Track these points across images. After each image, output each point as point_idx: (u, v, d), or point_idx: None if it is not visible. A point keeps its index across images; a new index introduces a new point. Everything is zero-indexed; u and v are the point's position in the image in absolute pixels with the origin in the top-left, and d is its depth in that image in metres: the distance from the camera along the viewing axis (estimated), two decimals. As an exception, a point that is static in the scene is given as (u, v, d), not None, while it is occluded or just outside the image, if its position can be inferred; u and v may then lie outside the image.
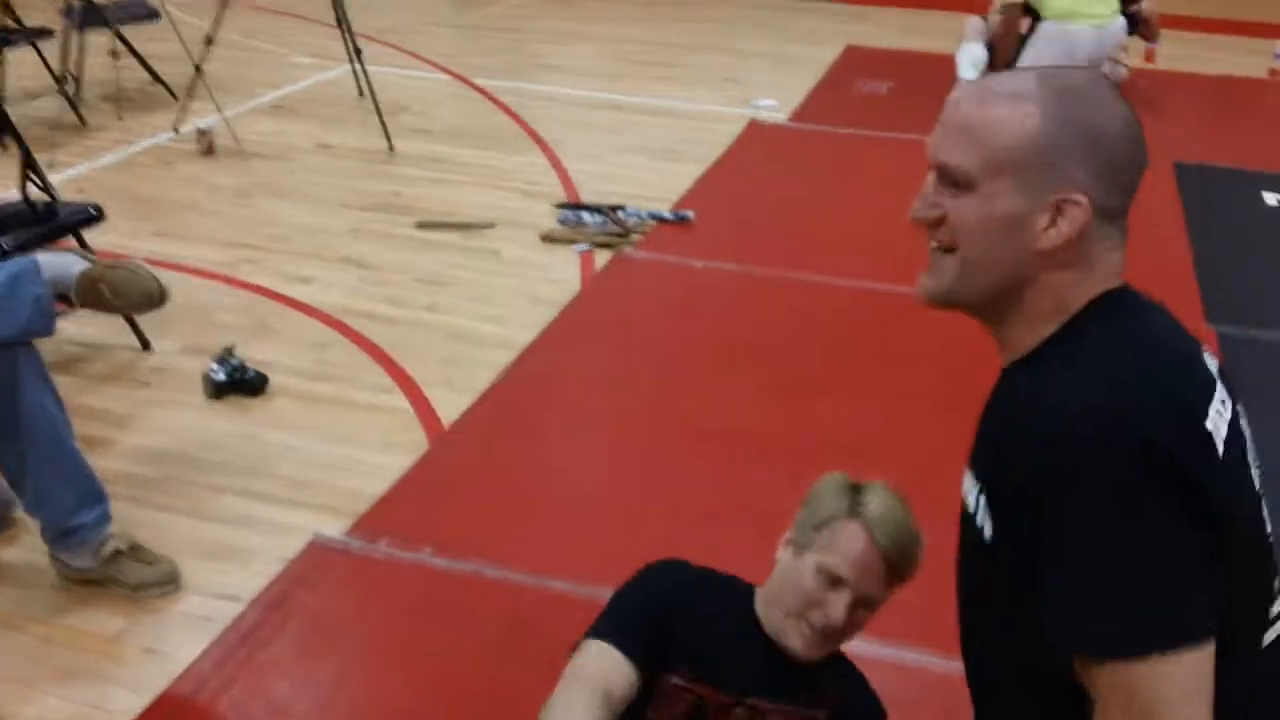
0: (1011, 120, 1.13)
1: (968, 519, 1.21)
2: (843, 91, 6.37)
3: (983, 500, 1.16)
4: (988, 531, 1.16)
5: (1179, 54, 6.78)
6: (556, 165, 5.17)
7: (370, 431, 3.16)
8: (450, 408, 3.25)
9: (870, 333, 3.78)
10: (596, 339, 3.72)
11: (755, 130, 5.65)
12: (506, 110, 5.92)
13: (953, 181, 1.16)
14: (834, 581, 1.50)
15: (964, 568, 1.28)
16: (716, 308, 3.92)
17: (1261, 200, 4.96)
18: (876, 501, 1.53)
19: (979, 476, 1.17)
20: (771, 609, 1.57)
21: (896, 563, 1.51)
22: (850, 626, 1.51)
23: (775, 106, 5.99)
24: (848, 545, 1.50)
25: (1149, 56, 6.40)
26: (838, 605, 1.48)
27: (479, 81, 6.36)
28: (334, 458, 3.03)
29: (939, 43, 6.76)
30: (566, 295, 3.94)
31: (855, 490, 1.57)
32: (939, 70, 6.20)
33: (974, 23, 6.12)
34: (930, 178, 1.19)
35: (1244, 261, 4.38)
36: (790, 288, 4.04)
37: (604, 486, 2.96)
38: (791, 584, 1.54)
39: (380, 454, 3.04)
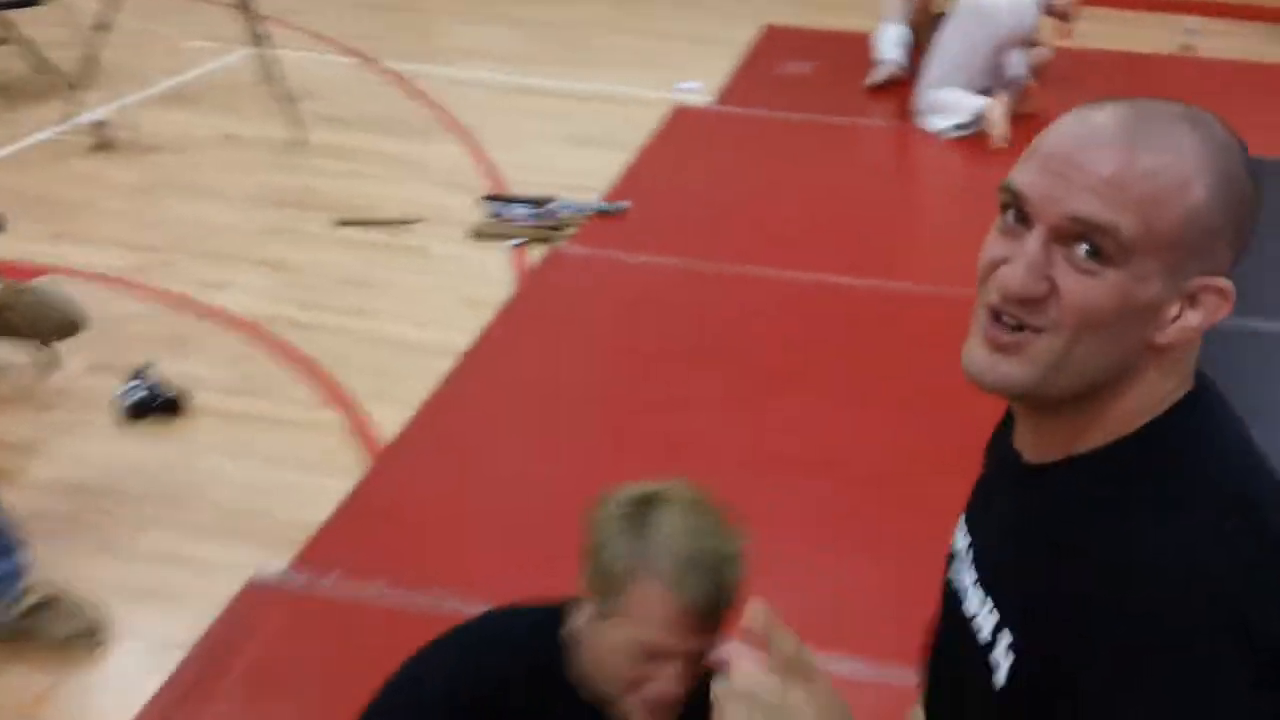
0: (1180, 184, 0.88)
1: (971, 640, 0.99)
2: (766, 73, 6.24)
3: (1005, 641, 0.94)
4: (1000, 676, 0.93)
5: (1090, 30, 6.78)
6: (477, 154, 4.95)
7: (304, 452, 2.95)
8: (389, 422, 3.06)
9: (824, 328, 3.68)
10: (538, 342, 3.54)
11: (681, 115, 5.50)
12: (420, 96, 5.67)
13: (1094, 247, 0.88)
14: (653, 655, 1.31)
15: (953, 689, 1.06)
16: (660, 305, 3.77)
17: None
18: (666, 532, 1.31)
19: (1004, 611, 0.96)
20: (598, 683, 1.39)
21: (716, 604, 1.30)
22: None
23: (699, 89, 5.84)
24: (652, 611, 1.30)
25: (1066, 34, 6.39)
26: (669, 679, 1.31)
27: (388, 64, 6.10)
28: (267, 483, 2.82)
29: (859, 20, 6.69)
30: (501, 295, 3.75)
31: (640, 520, 1.33)
32: (861, 49, 6.13)
33: (894, 1, 6.04)
34: (1034, 237, 0.90)
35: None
36: (735, 282, 3.90)
37: (560, 500, 2.79)
38: (609, 665, 1.35)
39: (318, 476, 2.84)
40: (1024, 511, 0.99)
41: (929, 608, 1.15)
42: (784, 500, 2.73)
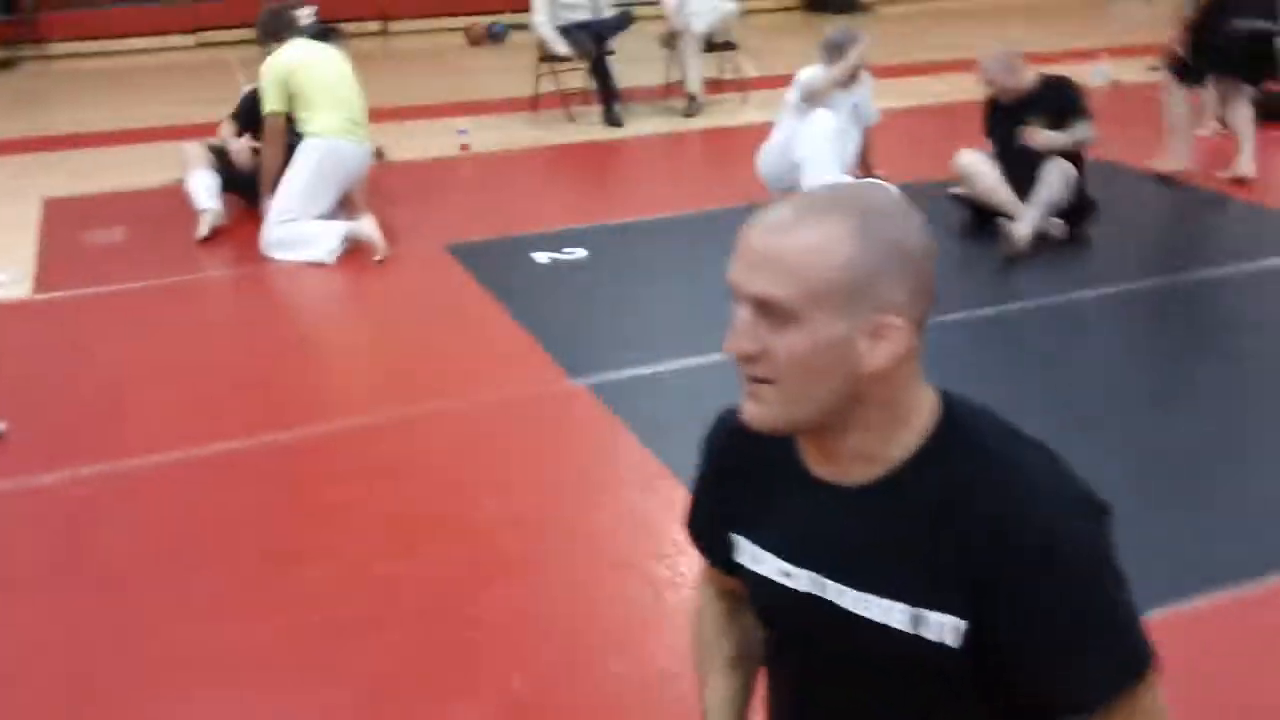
0: (825, 247, 1.10)
1: (893, 644, 1.17)
2: (75, 248, 5.70)
3: (943, 618, 1.14)
4: (949, 639, 1.13)
5: (389, 144, 7.07)
6: None
7: None
8: None
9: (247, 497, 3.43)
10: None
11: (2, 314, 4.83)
12: None
13: (771, 314, 1.11)
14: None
15: (866, 687, 1.23)
16: (49, 535, 3.27)
17: (532, 260, 5.35)
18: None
19: (940, 597, 1.13)
20: None
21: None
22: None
23: (18, 277, 5.18)
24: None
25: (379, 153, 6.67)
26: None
27: None
28: None
29: (139, 178, 6.35)
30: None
31: None
32: (167, 204, 5.86)
33: (193, 150, 5.85)
34: (743, 310, 1.14)
35: (561, 314, 4.69)
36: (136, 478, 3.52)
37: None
38: None
39: None
40: (878, 518, 1.17)
41: None
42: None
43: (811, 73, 5.74)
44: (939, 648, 1.13)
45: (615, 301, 4.87)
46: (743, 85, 8.74)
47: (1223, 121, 6.68)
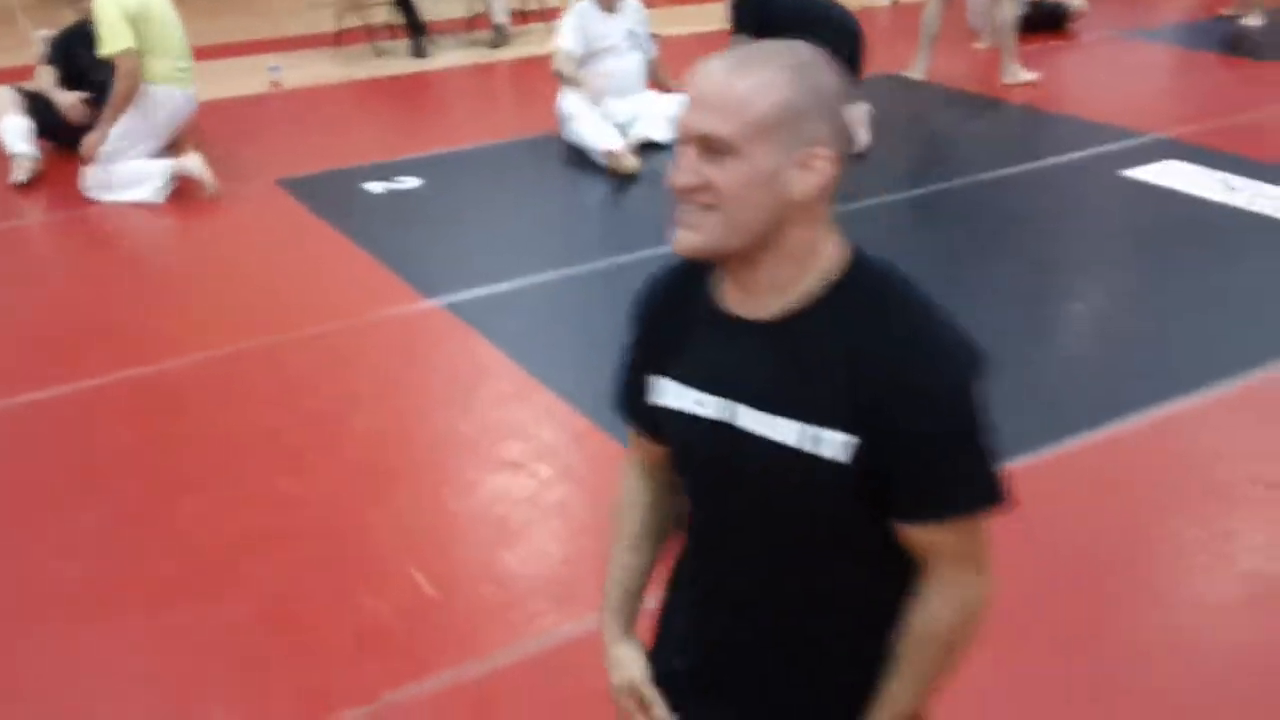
0: (762, 90, 1.26)
1: (788, 462, 1.32)
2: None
3: (834, 435, 1.29)
4: (840, 455, 1.29)
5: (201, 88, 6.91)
6: None
7: None
8: None
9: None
10: None
11: None
12: None
13: (714, 149, 1.27)
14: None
15: (770, 507, 1.38)
16: None
17: (365, 191, 5.44)
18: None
19: (834, 416, 1.29)
20: None
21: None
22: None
23: None
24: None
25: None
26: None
27: None
28: None
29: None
30: None
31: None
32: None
33: (3, 94, 5.64)
34: (688, 149, 1.29)
35: (405, 240, 4.82)
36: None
37: None
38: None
39: None
40: (785, 348, 1.33)
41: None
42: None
43: (577, 5, 5.95)
44: (832, 464, 1.29)
45: (455, 226, 5.02)
46: (546, 15, 8.87)
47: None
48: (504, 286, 4.34)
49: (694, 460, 1.45)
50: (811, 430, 1.30)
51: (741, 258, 1.32)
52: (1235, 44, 7.82)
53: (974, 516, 1.33)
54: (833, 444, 1.29)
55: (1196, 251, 4.51)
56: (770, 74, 1.27)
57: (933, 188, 5.26)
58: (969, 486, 1.32)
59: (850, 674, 1.44)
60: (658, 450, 1.55)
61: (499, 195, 5.42)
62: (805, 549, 1.39)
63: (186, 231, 5.18)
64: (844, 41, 5.38)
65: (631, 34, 6.01)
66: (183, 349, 3.95)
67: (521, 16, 8.90)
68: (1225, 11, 8.61)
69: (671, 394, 1.43)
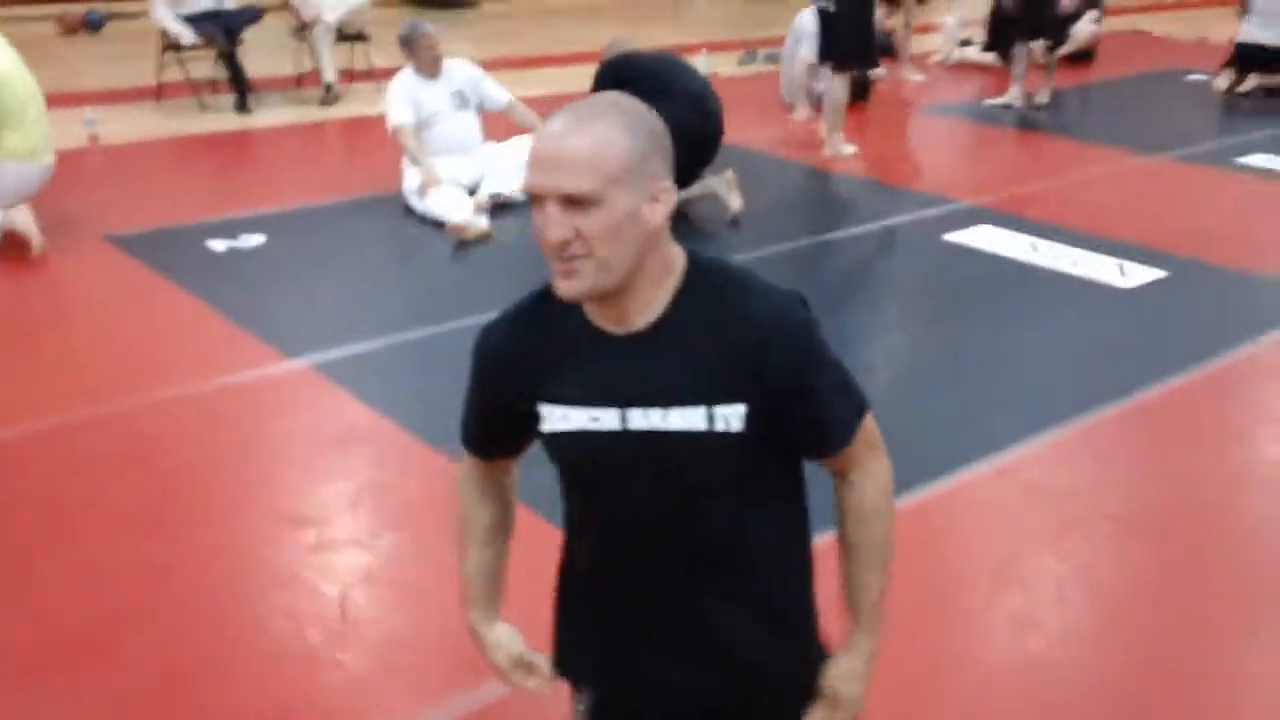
0: (608, 143, 1.41)
1: (671, 446, 1.49)
2: None
3: (732, 409, 1.48)
4: (737, 425, 1.48)
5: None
6: None
7: None
8: None
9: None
10: None
11: None
12: None
13: (577, 204, 1.40)
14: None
15: (675, 492, 1.53)
16: None
17: (207, 249, 5.34)
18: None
19: (727, 391, 1.48)
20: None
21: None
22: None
23: None
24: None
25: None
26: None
27: None
28: None
29: None
30: None
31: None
32: None
33: None
34: (550, 207, 1.41)
35: (258, 299, 4.75)
36: None
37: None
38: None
39: None
40: (665, 349, 1.50)
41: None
42: None
43: (400, 76, 6.10)
44: (726, 435, 1.48)
45: (310, 284, 4.99)
46: (375, 75, 8.89)
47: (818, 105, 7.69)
48: (368, 345, 4.35)
49: (595, 471, 1.56)
50: (712, 410, 1.48)
51: (617, 291, 1.46)
52: (1026, 120, 8.45)
53: (860, 426, 1.58)
54: (726, 418, 1.48)
55: (1013, 306, 4.91)
56: (609, 128, 1.42)
57: (774, 248, 5.55)
58: (849, 403, 1.57)
59: (773, 607, 1.63)
60: (496, 469, 1.72)
61: (350, 253, 5.42)
62: (714, 516, 1.55)
63: (16, 291, 4.97)
64: (703, 113, 5.61)
65: (457, 95, 6.15)
66: (34, 412, 3.80)
67: (349, 75, 8.89)
68: (997, 101, 9.08)
69: (559, 417, 1.54)
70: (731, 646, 1.61)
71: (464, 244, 5.53)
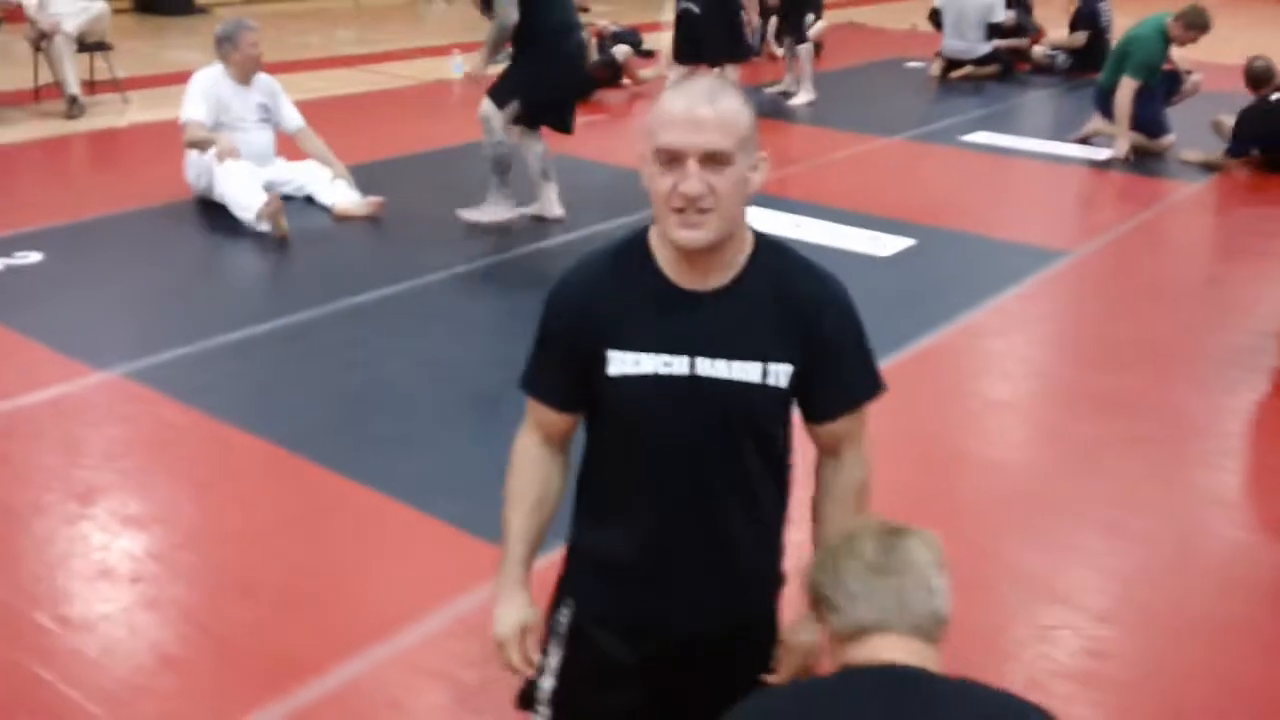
0: (740, 111, 1.67)
1: (725, 395, 1.72)
2: None
3: (782, 367, 1.74)
4: (783, 383, 1.74)
5: None
6: None
7: None
8: None
9: None
10: None
11: None
12: None
13: (716, 161, 1.63)
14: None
15: (725, 435, 1.77)
16: None
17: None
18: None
19: (782, 352, 1.73)
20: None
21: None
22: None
23: None
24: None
25: None
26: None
27: None
28: None
29: None
30: None
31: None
32: None
33: None
34: (691, 164, 1.63)
35: (44, 314, 4.61)
36: None
37: None
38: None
39: None
40: (734, 307, 1.73)
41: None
42: None
43: (205, 73, 5.98)
44: (775, 390, 1.74)
45: (105, 296, 4.88)
46: (121, 85, 8.58)
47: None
48: (185, 350, 4.33)
49: (660, 408, 1.76)
50: (768, 366, 1.73)
51: (720, 244, 1.70)
52: (780, 111, 8.97)
53: (870, 402, 1.84)
54: (781, 374, 1.74)
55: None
56: (735, 100, 1.68)
57: (590, 229, 5.80)
58: (870, 375, 1.83)
59: (773, 538, 1.89)
60: (561, 424, 1.87)
61: (140, 263, 5.32)
62: (747, 455, 1.80)
63: None
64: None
65: (262, 108, 6.09)
66: None
67: (91, 86, 8.54)
68: (770, 89, 9.64)
69: (631, 362, 1.74)
70: (748, 560, 1.86)
71: (278, 228, 5.49)
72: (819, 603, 1.62)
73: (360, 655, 2.71)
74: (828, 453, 1.87)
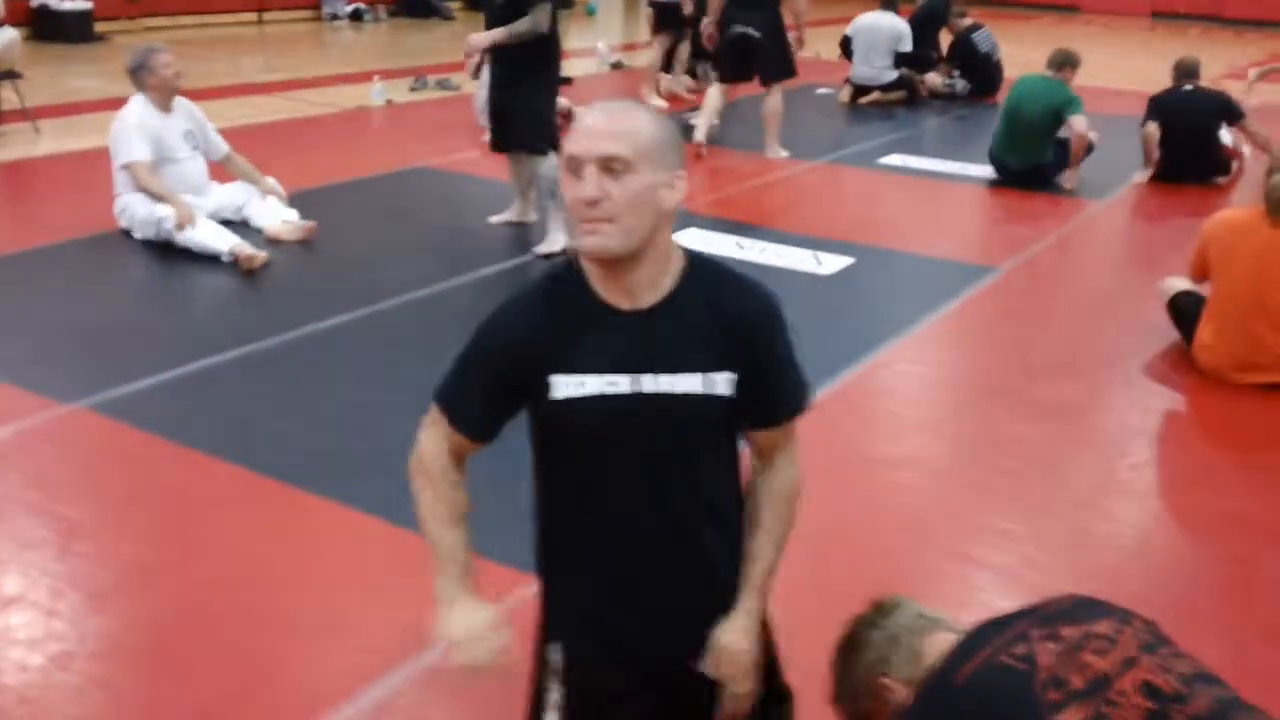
0: (645, 123, 1.72)
1: (694, 405, 1.79)
2: None
3: (723, 375, 1.80)
4: (726, 390, 1.80)
5: None
6: None
7: None
8: None
9: None
10: None
11: None
12: None
13: (613, 168, 1.67)
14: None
15: (678, 448, 1.83)
16: None
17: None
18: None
19: (721, 362, 1.80)
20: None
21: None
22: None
23: None
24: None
25: None
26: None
27: None
28: None
29: None
30: None
31: None
32: None
33: None
34: (589, 169, 1.68)
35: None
36: None
37: None
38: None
39: None
40: (669, 325, 1.78)
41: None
42: None
43: (132, 107, 5.84)
44: (719, 398, 1.79)
45: (49, 330, 4.77)
46: (31, 114, 8.35)
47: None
48: (150, 381, 4.26)
49: (609, 428, 1.79)
50: (709, 376, 1.79)
51: (630, 260, 1.73)
52: (708, 137, 9.01)
53: (803, 413, 1.92)
54: (720, 383, 1.80)
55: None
56: (642, 115, 1.75)
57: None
58: (801, 386, 1.91)
59: (734, 541, 1.93)
60: (469, 448, 1.89)
61: (82, 295, 5.18)
62: (703, 462, 1.86)
63: None
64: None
65: (190, 135, 5.98)
66: None
67: (-1, 116, 8.31)
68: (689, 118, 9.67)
69: (575, 384, 1.77)
70: (724, 567, 1.91)
71: (250, 273, 5.41)
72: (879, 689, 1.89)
73: (361, 679, 2.72)
74: (761, 456, 1.94)
